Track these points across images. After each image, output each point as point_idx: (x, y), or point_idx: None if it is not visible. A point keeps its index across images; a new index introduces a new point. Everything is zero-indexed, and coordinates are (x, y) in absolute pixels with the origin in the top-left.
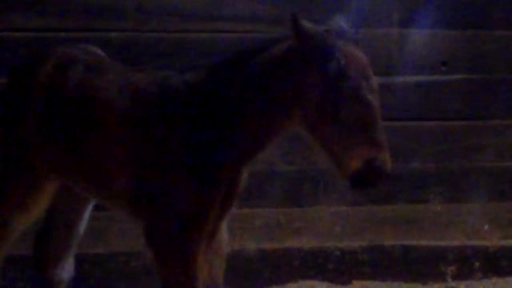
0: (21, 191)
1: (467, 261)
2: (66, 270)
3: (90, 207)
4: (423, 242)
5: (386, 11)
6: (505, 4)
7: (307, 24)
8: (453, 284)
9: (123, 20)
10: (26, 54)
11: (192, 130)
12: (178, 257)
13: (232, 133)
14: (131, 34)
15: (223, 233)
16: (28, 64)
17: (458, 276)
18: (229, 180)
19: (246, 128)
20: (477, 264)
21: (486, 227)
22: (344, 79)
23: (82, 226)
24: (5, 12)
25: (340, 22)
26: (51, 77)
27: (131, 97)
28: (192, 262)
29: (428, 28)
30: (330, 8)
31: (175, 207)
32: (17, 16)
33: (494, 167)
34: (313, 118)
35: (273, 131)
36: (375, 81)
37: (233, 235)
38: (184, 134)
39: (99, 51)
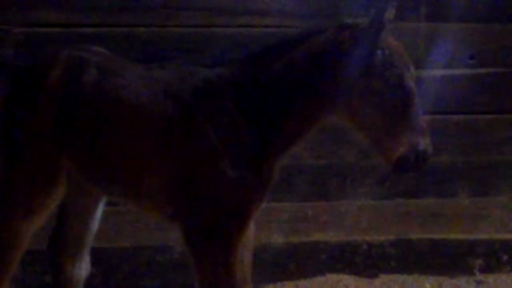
0: (32, 195)
1: (495, 255)
2: (83, 268)
3: (102, 205)
4: (451, 236)
5: (414, 5)
6: None
7: (347, 20)
8: (481, 277)
9: (150, 15)
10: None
11: (231, 125)
12: (219, 255)
13: (272, 127)
14: (158, 30)
15: (251, 226)
16: (35, 67)
17: (486, 270)
18: (269, 172)
19: (288, 121)
20: (505, 257)
21: None
22: (389, 68)
23: (95, 223)
24: (33, 8)
25: (382, 13)
26: (64, 80)
27: (161, 95)
28: (233, 259)
29: (456, 22)
30: (358, 3)
31: (216, 204)
32: (45, 12)
33: None
34: (357, 107)
35: (314, 123)
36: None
37: (260, 229)
38: (223, 129)
39: (102, 50)
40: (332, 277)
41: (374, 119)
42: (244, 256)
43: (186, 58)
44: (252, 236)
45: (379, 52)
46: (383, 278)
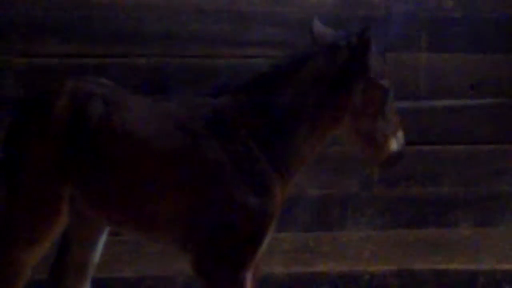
0: (34, 226)
1: (498, 285)
2: None
3: (104, 235)
4: (453, 266)
5: (414, 35)
6: None
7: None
8: None
9: (151, 45)
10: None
11: (244, 152)
12: (232, 280)
13: (283, 150)
14: (159, 60)
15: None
16: (41, 97)
17: None
18: (280, 198)
19: (298, 143)
20: (507, 287)
21: None
22: (386, 80)
23: (97, 254)
24: (34, 39)
25: (367, 32)
26: (70, 111)
27: (170, 127)
28: (244, 284)
29: (456, 52)
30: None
31: (230, 232)
32: (46, 42)
33: None
34: (359, 117)
35: (322, 139)
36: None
37: (262, 259)
38: (236, 157)
39: (107, 81)
40: None
41: (375, 125)
42: (252, 284)
43: (185, 87)
44: (260, 264)
45: (377, 69)
46: None
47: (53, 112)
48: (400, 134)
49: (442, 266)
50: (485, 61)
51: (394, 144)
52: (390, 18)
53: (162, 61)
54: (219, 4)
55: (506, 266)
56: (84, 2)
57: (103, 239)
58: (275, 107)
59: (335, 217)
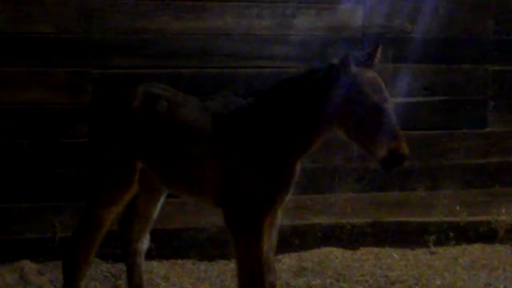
0: (114, 191)
1: (444, 233)
2: (144, 243)
3: (163, 198)
4: (412, 219)
5: (383, 50)
6: (469, 45)
7: (335, 61)
8: (434, 249)
9: (192, 59)
10: (113, 89)
11: (261, 138)
12: (251, 232)
13: (290, 140)
14: (197, 70)
15: (278, 216)
16: (120, 98)
17: (438, 244)
18: (289, 172)
19: (301, 135)
20: (451, 234)
21: (457, 207)
22: (364, 97)
23: (156, 211)
24: (105, 55)
25: (346, 57)
26: (142, 109)
27: (211, 118)
28: (261, 238)
29: (414, 63)
30: (342, 48)
31: (250, 196)
32: (114, 57)
33: (462, 163)
34: (348, 125)
35: (319, 136)
36: (387, 93)
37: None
38: (256, 142)
39: (168, 87)
40: (326, 250)
41: (360, 133)
42: (273, 233)
43: (218, 92)
44: (279, 219)
45: (353, 83)
46: (362, 250)
47: (130, 109)
48: (400, 144)
49: (404, 219)
50: (434, 70)
51: (383, 152)
52: (366, 38)
53: (199, 71)
54: (240, 29)
55: (450, 219)
56: (140, 29)
57: (161, 200)
58: (283, 108)
59: (326, 183)
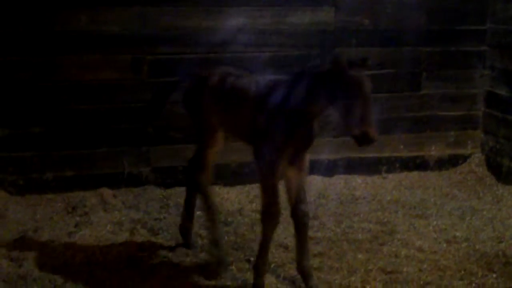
0: (209, 139)
1: (392, 164)
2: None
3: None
4: (370, 155)
5: (349, 39)
6: (408, 33)
7: (339, 58)
8: (385, 175)
9: (215, 48)
10: (197, 69)
11: (283, 107)
12: (270, 167)
13: (301, 110)
14: (219, 55)
15: (306, 160)
16: (204, 76)
17: (388, 171)
18: (303, 130)
19: (311, 108)
20: (397, 165)
21: (401, 146)
22: (353, 91)
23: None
24: (157, 44)
25: (337, 57)
26: (218, 82)
27: (256, 88)
28: (277, 169)
29: (371, 47)
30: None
31: (273, 145)
32: (165, 46)
33: (404, 116)
34: (339, 108)
35: (322, 111)
36: (369, 87)
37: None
38: (280, 109)
39: (237, 68)
40: (310, 177)
41: (346, 114)
42: (302, 176)
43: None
44: (306, 165)
45: (346, 79)
46: (336, 177)
47: (209, 83)
48: (370, 129)
49: (364, 155)
50: (384, 51)
51: (357, 132)
52: (336, 31)
53: (220, 56)
54: (248, 25)
55: (396, 154)
56: (180, 26)
57: (221, 148)
58: (300, 88)
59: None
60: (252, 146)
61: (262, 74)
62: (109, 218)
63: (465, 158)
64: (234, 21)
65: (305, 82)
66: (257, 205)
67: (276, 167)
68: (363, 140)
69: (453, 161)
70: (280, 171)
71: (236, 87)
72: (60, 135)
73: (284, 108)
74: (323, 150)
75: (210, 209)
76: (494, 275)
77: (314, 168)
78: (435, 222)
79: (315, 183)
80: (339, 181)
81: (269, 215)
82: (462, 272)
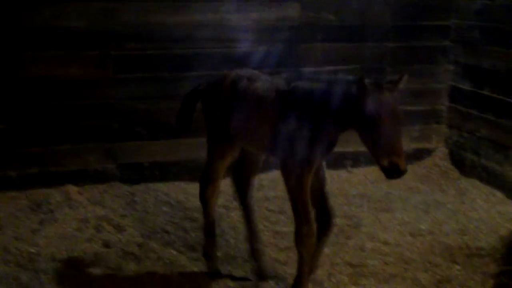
0: (223, 149)
1: (357, 159)
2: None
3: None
4: (335, 149)
5: (314, 34)
6: (373, 29)
7: (364, 82)
8: (350, 170)
9: (182, 43)
10: (214, 75)
11: (307, 116)
12: (297, 180)
13: (322, 126)
14: (186, 51)
15: (324, 167)
16: (218, 80)
17: (353, 166)
18: (328, 141)
19: (329, 128)
20: (362, 159)
21: None
22: (379, 118)
23: (260, 164)
24: (121, 42)
25: (362, 83)
26: (231, 86)
27: (274, 91)
28: (302, 182)
29: (337, 42)
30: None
31: (295, 154)
32: (127, 43)
33: None
34: (364, 134)
35: (343, 131)
36: (401, 112)
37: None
38: (303, 117)
39: (252, 70)
40: (278, 172)
41: (371, 141)
42: (323, 184)
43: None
44: (324, 175)
45: (375, 104)
46: None
47: (224, 86)
48: (399, 161)
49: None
50: (349, 47)
51: (385, 163)
52: (301, 26)
53: (187, 51)
54: (215, 21)
55: (361, 149)
56: (146, 22)
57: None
58: (323, 105)
59: None
60: (272, 156)
61: (281, 77)
62: (74, 215)
63: (429, 152)
64: (200, 16)
65: (335, 98)
66: (223, 200)
67: (306, 181)
68: (393, 172)
69: (417, 155)
70: (309, 184)
71: (255, 92)
72: (23, 132)
73: (314, 118)
74: None
75: (207, 225)
76: (458, 267)
77: None
78: (399, 216)
79: (281, 178)
80: None
81: (302, 237)
82: (427, 264)
